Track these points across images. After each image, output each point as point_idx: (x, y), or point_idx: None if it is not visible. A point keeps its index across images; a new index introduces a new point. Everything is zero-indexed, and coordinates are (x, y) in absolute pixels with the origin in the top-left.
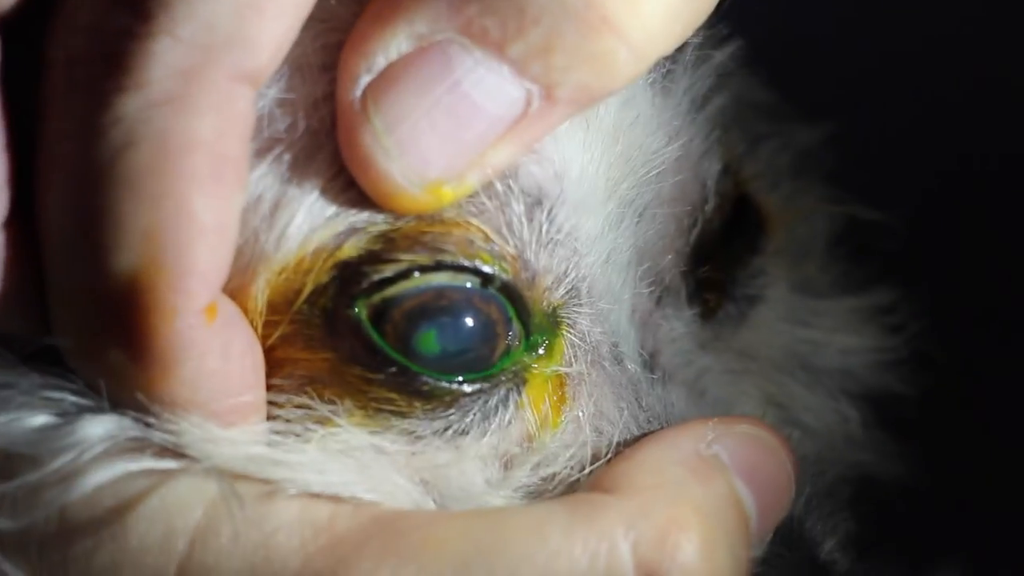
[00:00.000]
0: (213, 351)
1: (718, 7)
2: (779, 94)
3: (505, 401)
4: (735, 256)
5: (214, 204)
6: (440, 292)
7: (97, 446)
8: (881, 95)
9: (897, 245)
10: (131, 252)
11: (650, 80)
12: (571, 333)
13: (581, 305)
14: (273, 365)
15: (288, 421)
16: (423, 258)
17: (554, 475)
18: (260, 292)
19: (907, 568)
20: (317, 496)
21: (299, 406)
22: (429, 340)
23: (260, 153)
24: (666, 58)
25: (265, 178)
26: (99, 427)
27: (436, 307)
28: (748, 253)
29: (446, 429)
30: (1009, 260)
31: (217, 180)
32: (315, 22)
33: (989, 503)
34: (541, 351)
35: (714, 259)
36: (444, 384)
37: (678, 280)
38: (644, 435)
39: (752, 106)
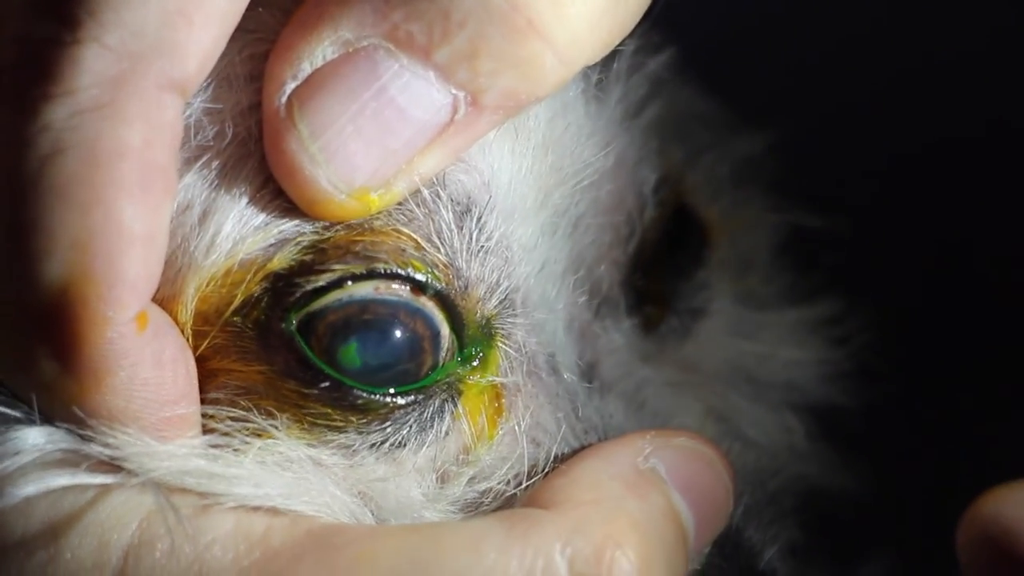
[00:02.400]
0: (145, 360)
1: (648, 13)
2: (717, 101)
3: (440, 413)
4: (677, 268)
5: (143, 213)
6: (364, 306)
7: (28, 456)
8: (821, 96)
9: (842, 255)
10: (60, 262)
11: (582, 89)
12: (506, 344)
13: (516, 315)
14: (207, 376)
15: (225, 434)
16: (355, 267)
17: (490, 489)
18: (189, 301)
19: (840, 565)
20: (254, 510)
21: (235, 418)
22: (350, 353)
23: (189, 161)
24: (599, 67)
25: (194, 186)
26: (32, 438)
27: (359, 321)
28: (691, 265)
29: (383, 442)
30: (955, 270)
31: (146, 188)
32: (242, 32)
33: (925, 507)
34: (476, 363)
35: (655, 271)
36: (378, 397)
37: (617, 291)
38: (582, 449)
39: (691, 115)
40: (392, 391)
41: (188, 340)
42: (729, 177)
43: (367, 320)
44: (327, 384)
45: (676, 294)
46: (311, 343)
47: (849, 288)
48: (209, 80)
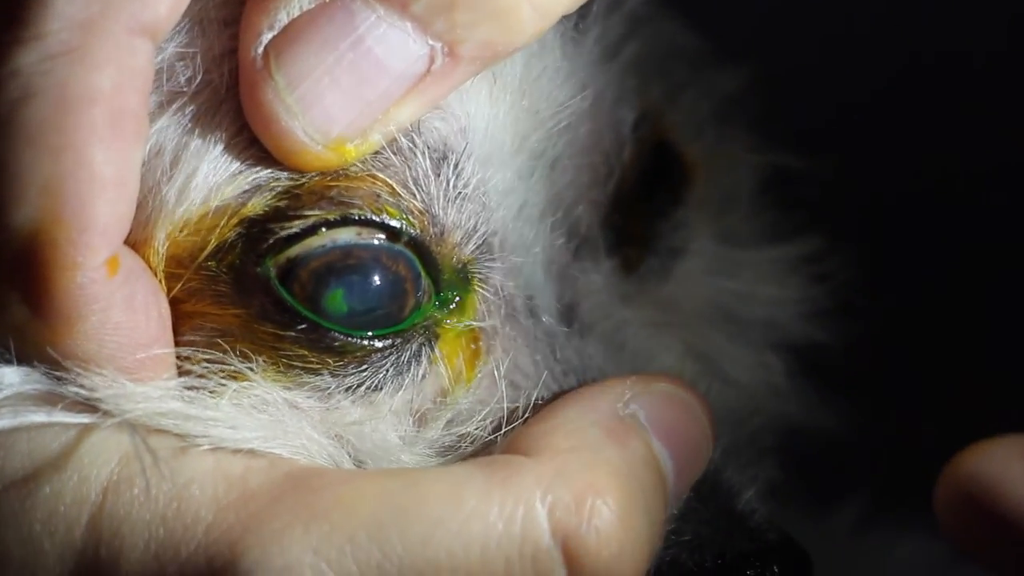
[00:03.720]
0: (116, 304)
1: None
2: (698, 38)
3: (418, 356)
4: (657, 208)
5: (114, 157)
6: (347, 251)
7: (3, 392)
8: (802, 32)
9: (823, 193)
10: (30, 206)
11: (560, 31)
12: (483, 288)
13: (493, 259)
14: (182, 319)
15: (201, 376)
16: (330, 213)
17: (469, 433)
18: (161, 246)
19: (816, 505)
20: (232, 452)
21: (211, 360)
22: (336, 299)
23: (162, 106)
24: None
25: (166, 131)
26: (7, 377)
27: (343, 266)
28: (670, 205)
29: (359, 385)
30: (936, 205)
31: (116, 133)
32: None
33: (903, 447)
34: (453, 306)
35: (635, 211)
36: (355, 340)
37: (596, 232)
38: (562, 393)
39: (671, 52)
40: (370, 334)
41: (161, 284)
42: (710, 115)
43: (351, 265)
44: (304, 326)
45: (656, 234)
46: (294, 290)
47: (830, 226)
48: (182, 24)
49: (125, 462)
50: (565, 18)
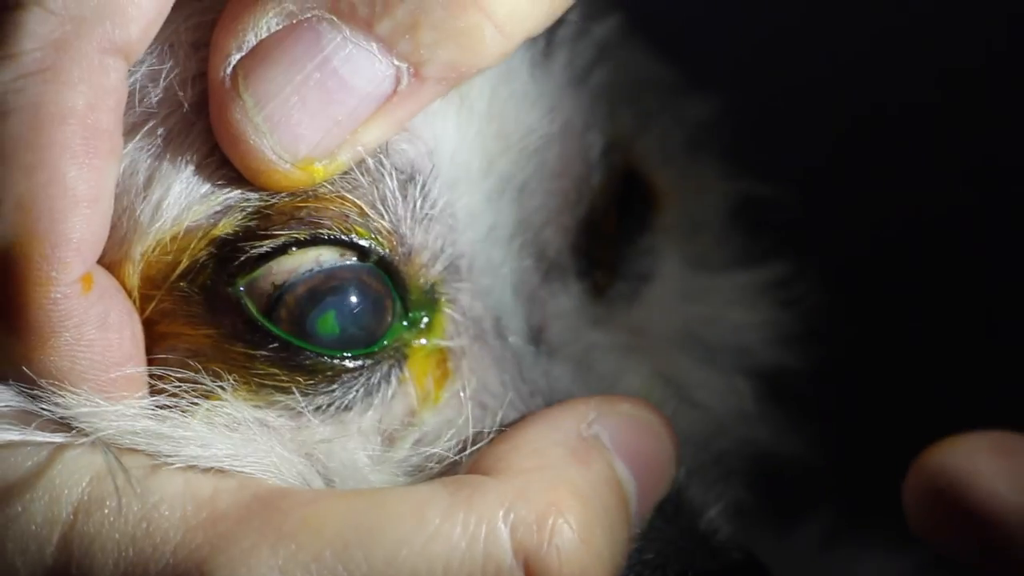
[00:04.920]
0: (89, 321)
1: None
2: (667, 67)
3: (388, 377)
4: (625, 234)
5: (87, 175)
6: (329, 274)
7: None
8: (772, 63)
9: (791, 218)
10: (4, 223)
11: (528, 55)
12: (452, 308)
13: (461, 280)
14: (155, 339)
15: (174, 395)
16: (300, 232)
17: (436, 453)
18: (135, 265)
19: (780, 523)
20: (203, 471)
21: (183, 380)
22: (328, 322)
23: (134, 127)
24: (544, 34)
25: (139, 152)
26: None
27: (327, 288)
28: (638, 231)
29: (329, 404)
30: (902, 234)
31: (90, 151)
32: (188, 1)
33: (867, 468)
34: (422, 327)
35: (604, 236)
36: (326, 360)
37: (566, 256)
38: (528, 414)
39: (640, 81)
40: (346, 354)
41: (136, 304)
42: (679, 143)
43: (334, 287)
44: (275, 345)
45: (624, 259)
46: (281, 315)
47: (797, 251)
48: (154, 47)
49: (96, 482)
50: (533, 43)
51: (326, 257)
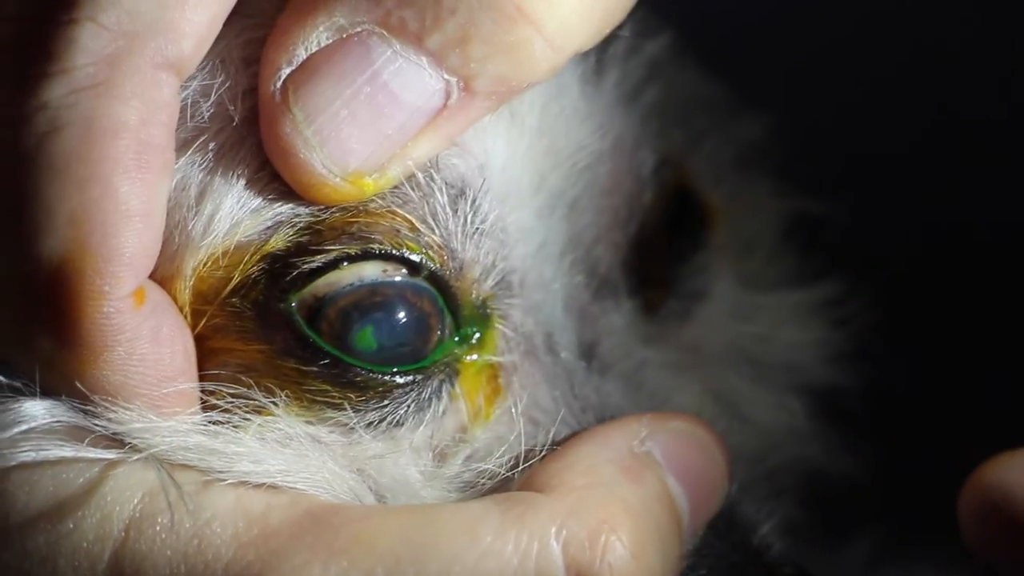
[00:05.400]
0: (142, 336)
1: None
2: (718, 85)
3: (439, 392)
4: (678, 252)
5: (139, 189)
6: (373, 289)
7: (28, 425)
8: (823, 82)
9: (844, 237)
10: (57, 237)
11: (579, 72)
12: (503, 324)
13: (513, 296)
14: (207, 354)
15: (226, 411)
16: (351, 247)
17: (487, 469)
18: (187, 281)
19: (831, 539)
20: (254, 487)
21: (235, 395)
22: (366, 336)
23: (186, 143)
24: (595, 50)
25: (191, 167)
26: (33, 410)
27: (370, 304)
28: (691, 249)
29: (381, 420)
30: (956, 253)
31: (142, 166)
32: (239, 17)
33: (918, 487)
34: (474, 342)
35: (656, 254)
36: (377, 376)
37: (617, 273)
38: (579, 431)
39: (691, 99)
40: (394, 370)
41: (187, 319)
42: (731, 161)
43: (377, 302)
44: (326, 361)
45: (677, 277)
46: (322, 328)
47: (850, 270)
48: (206, 62)
49: (148, 498)
50: (583, 59)
51: (368, 272)
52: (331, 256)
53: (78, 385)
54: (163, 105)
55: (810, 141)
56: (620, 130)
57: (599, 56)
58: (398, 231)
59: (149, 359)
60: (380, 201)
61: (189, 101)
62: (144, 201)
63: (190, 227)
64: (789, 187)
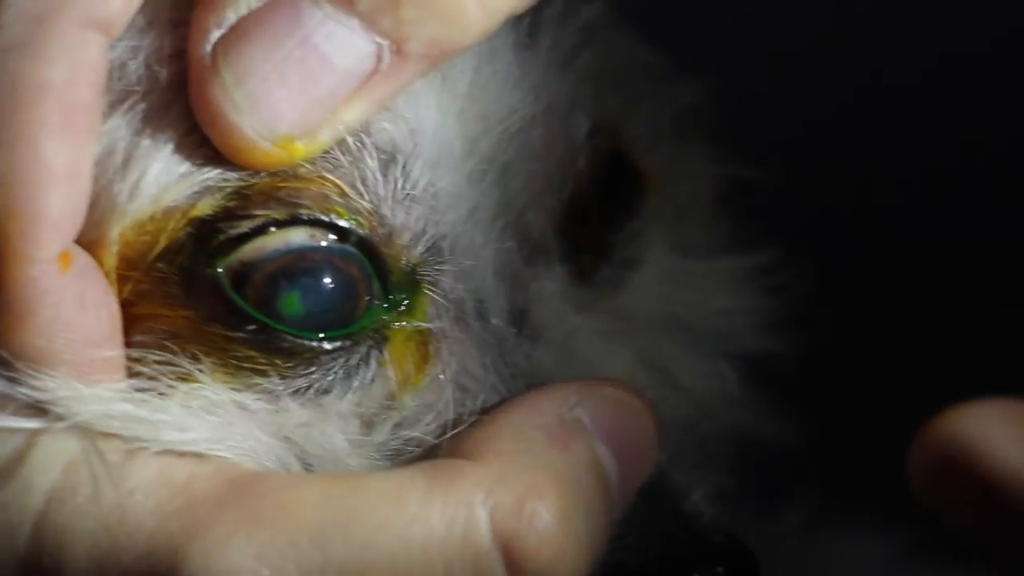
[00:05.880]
0: (67, 300)
1: None
2: (655, 50)
3: (367, 359)
4: (612, 218)
5: (66, 151)
6: (300, 254)
7: None
8: (761, 46)
9: (779, 204)
10: None
11: (512, 36)
12: (433, 291)
13: (443, 262)
14: (133, 320)
15: (151, 378)
16: (278, 213)
17: (416, 437)
18: (113, 245)
19: (764, 506)
20: (179, 456)
21: (161, 362)
22: (292, 302)
23: (113, 105)
24: (529, 14)
25: (118, 130)
26: None
27: (297, 269)
28: (625, 215)
29: (308, 387)
30: (894, 221)
31: (69, 127)
32: None
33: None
34: (403, 309)
35: (589, 220)
36: (304, 342)
37: (550, 239)
38: (508, 399)
39: (628, 64)
40: (321, 336)
41: (113, 284)
42: (667, 127)
43: (304, 268)
44: (253, 327)
45: (610, 244)
46: (247, 294)
47: (785, 236)
48: (134, 23)
49: (70, 469)
50: (517, 25)
51: (295, 237)
52: (258, 222)
53: (1, 351)
54: (90, 65)
55: (747, 107)
56: (553, 94)
57: (533, 19)
58: (327, 196)
59: (74, 324)
60: (310, 166)
61: (116, 63)
62: (71, 163)
63: (116, 191)
64: (724, 153)
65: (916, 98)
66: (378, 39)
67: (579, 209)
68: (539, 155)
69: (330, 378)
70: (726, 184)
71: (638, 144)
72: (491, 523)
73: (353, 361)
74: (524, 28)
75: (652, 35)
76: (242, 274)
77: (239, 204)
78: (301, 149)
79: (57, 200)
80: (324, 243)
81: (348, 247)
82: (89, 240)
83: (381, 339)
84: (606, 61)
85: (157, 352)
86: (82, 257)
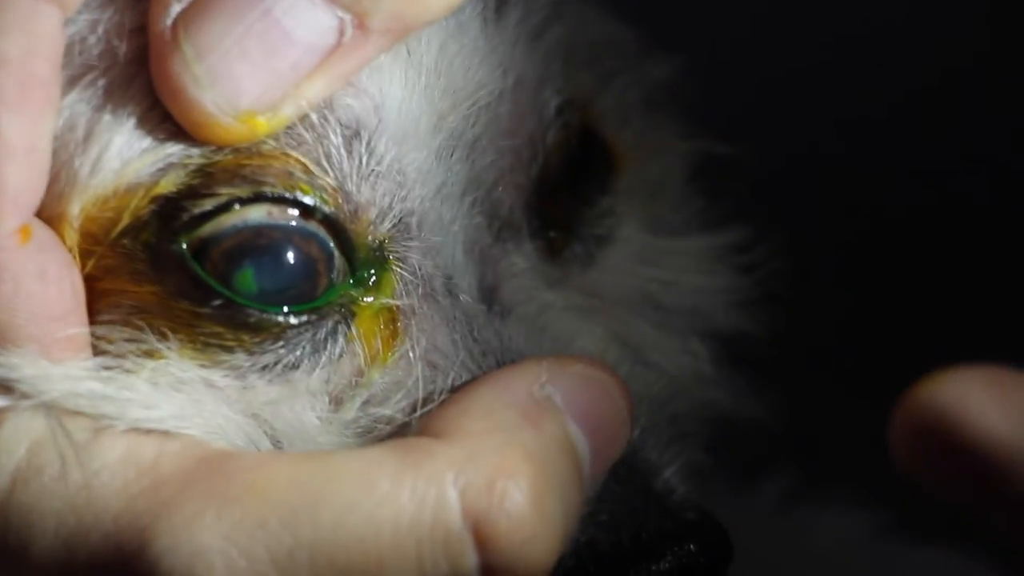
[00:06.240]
0: (29, 273)
1: None
2: (627, 25)
3: (334, 334)
4: (582, 195)
5: (22, 124)
6: (258, 231)
7: None
8: (732, 20)
9: (751, 182)
10: None
11: (479, 11)
12: (401, 267)
13: (411, 239)
14: (99, 295)
15: (117, 355)
16: (242, 190)
17: (385, 415)
18: (75, 220)
19: (739, 483)
20: (146, 434)
21: (128, 339)
22: (246, 279)
23: (73, 80)
24: None
25: (79, 104)
26: None
27: (254, 246)
28: (596, 192)
29: (276, 363)
30: (867, 198)
31: (25, 100)
32: None
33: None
34: (371, 284)
35: (559, 197)
36: (270, 316)
37: (519, 215)
38: (479, 376)
39: (599, 39)
40: (285, 310)
41: (76, 260)
42: (639, 102)
43: (261, 245)
44: (219, 302)
45: (581, 220)
46: (205, 268)
47: (757, 216)
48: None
49: (36, 448)
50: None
51: (253, 215)
52: (222, 199)
53: None
54: (45, 37)
55: (720, 82)
56: (522, 69)
57: None
58: (291, 173)
59: (36, 297)
60: (273, 143)
61: (77, 38)
62: (28, 136)
63: (78, 166)
64: (696, 129)
65: (883, 60)
66: (340, 13)
67: (549, 185)
68: (508, 131)
69: (297, 353)
70: (698, 159)
71: (609, 120)
72: (462, 503)
73: (320, 336)
74: (491, 2)
75: (623, 9)
76: (199, 250)
77: (203, 182)
78: (264, 124)
79: (14, 174)
80: (283, 221)
81: (307, 225)
82: (51, 215)
83: (348, 314)
84: (576, 35)
85: (124, 328)
86: (42, 231)
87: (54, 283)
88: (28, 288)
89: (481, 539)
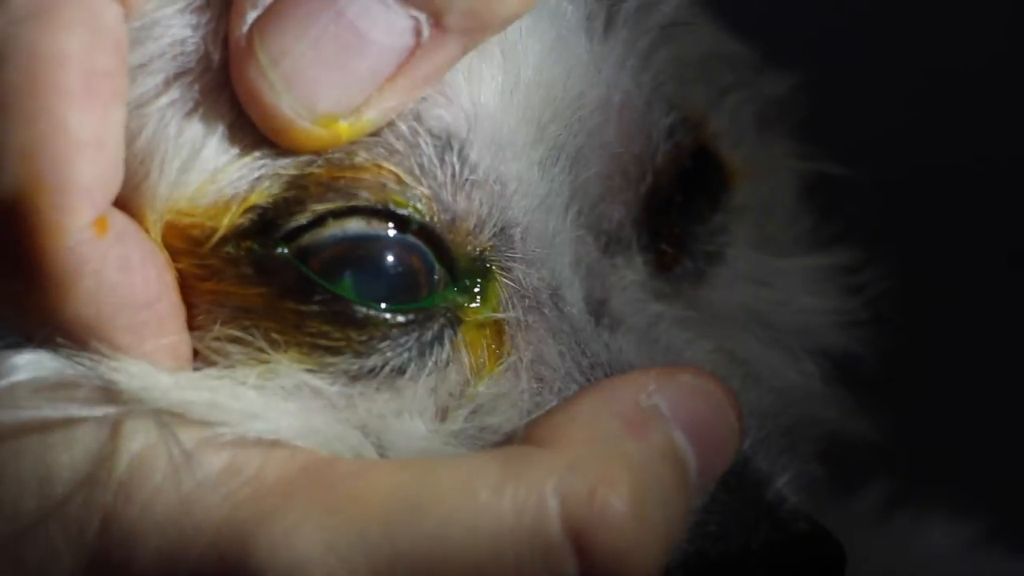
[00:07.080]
0: (110, 264)
1: None
2: (742, 42)
3: (440, 338)
4: (695, 212)
5: (89, 118)
6: (356, 242)
7: (22, 375)
8: (851, 41)
9: (864, 203)
10: (10, 175)
11: (584, 25)
12: (505, 278)
13: (514, 250)
14: (203, 295)
15: (226, 364)
16: (335, 204)
17: (491, 425)
18: (161, 216)
19: (839, 491)
20: (251, 443)
21: (235, 340)
22: (345, 288)
23: (168, 81)
24: (605, 8)
25: (171, 107)
26: (18, 362)
27: (354, 256)
28: (709, 209)
29: (382, 366)
30: (977, 223)
31: (90, 94)
32: None
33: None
34: (475, 293)
35: (671, 214)
36: (376, 313)
37: (628, 230)
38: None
39: (715, 56)
40: (391, 307)
41: (162, 250)
42: (753, 120)
43: (360, 255)
44: (326, 297)
45: (693, 237)
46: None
47: (868, 237)
48: (191, 2)
49: (137, 462)
50: (591, 18)
51: (352, 226)
52: (318, 214)
53: (52, 325)
54: (107, 31)
55: (835, 101)
56: (629, 88)
57: (608, 13)
58: (384, 185)
59: (120, 287)
60: (365, 154)
61: (177, 38)
62: (95, 130)
63: (167, 165)
64: (811, 149)
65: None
66: (414, 13)
67: (659, 202)
68: (614, 148)
69: (404, 356)
70: (811, 179)
71: (724, 137)
72: (562, 512)
73: (426, 338)
74: (599, 19)
75: (737, 27)
76: (300, 257)
77: (296, 195)
78: (346, 129)
79: (85, 168)
80: (383, 232)
81: (408, 236)
82: (134, 209)
83: (454, 320)
84: (689, 52)
85: (231, 329)
86: (121, 221)
87: (137, 270)
88: (111, 279)
89: (581, 549)
